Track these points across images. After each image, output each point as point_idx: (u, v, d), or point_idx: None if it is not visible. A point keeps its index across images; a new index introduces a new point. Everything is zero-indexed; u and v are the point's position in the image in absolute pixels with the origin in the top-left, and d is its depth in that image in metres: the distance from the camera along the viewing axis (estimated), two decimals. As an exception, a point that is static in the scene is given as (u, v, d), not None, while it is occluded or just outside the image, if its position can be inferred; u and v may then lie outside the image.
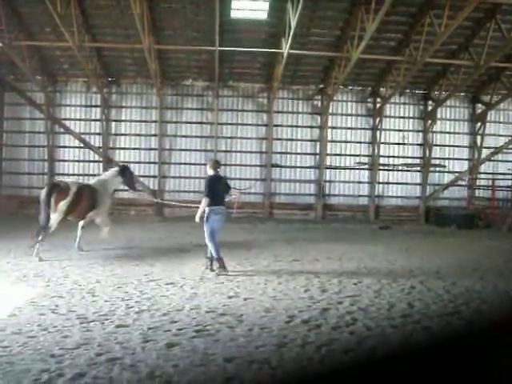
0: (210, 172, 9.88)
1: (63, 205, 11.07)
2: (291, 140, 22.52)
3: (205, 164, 21.80)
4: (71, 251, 11.61)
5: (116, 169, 13.21)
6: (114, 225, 18.12)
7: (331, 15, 17.70)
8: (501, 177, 22.55)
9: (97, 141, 21.80)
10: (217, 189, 9.55)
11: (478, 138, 22.79)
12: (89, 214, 11.97)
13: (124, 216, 21.21)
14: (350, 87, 22.52)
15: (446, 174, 23.13)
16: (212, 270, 9.56)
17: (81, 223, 12.12)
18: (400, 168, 22.85)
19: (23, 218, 19.97)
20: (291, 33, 15.39)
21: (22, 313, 6.40)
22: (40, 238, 10.81)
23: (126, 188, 13.58)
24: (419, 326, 6.20)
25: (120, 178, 13.14)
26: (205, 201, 9.36)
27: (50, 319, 6.14)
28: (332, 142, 22.56)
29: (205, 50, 18.78)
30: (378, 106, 22.41)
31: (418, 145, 22.97)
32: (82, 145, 21.72)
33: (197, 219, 9.46)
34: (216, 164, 10.04)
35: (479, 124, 22.78)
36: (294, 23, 14.68)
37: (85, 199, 11.66)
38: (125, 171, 13.31)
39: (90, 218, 12.18)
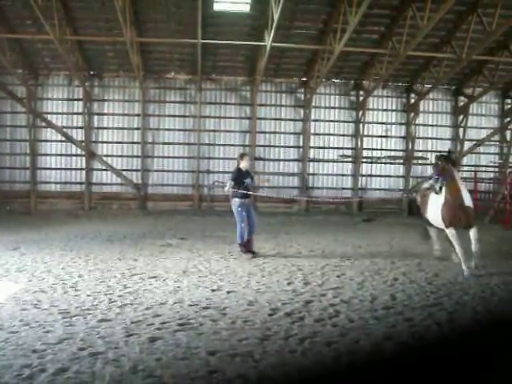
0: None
1: None
2: (274, 133, 22.48)
3: (188, 157, 21.98)
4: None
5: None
6: (97, 219, 18.24)
7: (314, 8, 17.69)
8: (483, 169, 22.76)
9: (79, 135, 21.53)
10: None
11: (461, 131, 22.95)
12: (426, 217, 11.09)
13: (107, 210, 21.12)
14: (333, 80, 22.54)
15: (428, 166, 23.25)
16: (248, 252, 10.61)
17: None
18: (383, 161, 22.97)
19: (5, 212, 19.84)
20: (274, 26, 15.33)
21: (4, 308, 6.36)
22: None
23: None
24: (401, 318, 6.27)
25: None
26: None
27: (32, 314, 6.11)
28: (315, 134, 22.58)
29: (187, 42, 18.62)
30: (361, 98, 22.47)
31: (400, 137, 23.11)
32: (64, 139, 21.49)
33: None
34: (239, 156, 11.05)
35: (461, 116, 22.95)
36: (276, 16, 14.63)
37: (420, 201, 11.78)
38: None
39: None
